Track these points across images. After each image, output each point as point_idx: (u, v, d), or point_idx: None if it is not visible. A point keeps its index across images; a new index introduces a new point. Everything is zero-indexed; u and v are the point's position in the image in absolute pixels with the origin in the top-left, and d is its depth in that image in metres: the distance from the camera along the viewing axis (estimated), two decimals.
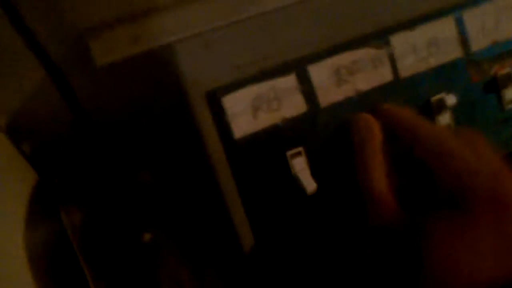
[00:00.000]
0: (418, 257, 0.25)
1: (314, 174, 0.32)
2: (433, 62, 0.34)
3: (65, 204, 0.35)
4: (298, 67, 0.32)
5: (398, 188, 0.29)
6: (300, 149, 0.32)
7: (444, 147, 0.27)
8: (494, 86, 0.36)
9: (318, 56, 0.32)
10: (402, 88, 0.34)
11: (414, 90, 0.34)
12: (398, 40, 0.34)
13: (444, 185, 0.27)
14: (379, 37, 0.33)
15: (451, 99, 0.33)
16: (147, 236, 0.38)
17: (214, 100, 0.31)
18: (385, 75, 0.33)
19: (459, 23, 0.35)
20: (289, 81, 0.32)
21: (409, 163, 0.29)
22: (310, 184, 0.32)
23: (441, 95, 0.34)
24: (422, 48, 0.34)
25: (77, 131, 0.34)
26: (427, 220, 0.26)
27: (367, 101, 0.33)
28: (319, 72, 0.32)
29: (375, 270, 0.28)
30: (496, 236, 0.24)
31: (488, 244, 0.24)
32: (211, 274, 0.38)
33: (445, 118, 0.35)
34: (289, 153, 0.32)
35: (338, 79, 0.33)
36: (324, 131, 0.33)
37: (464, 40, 0.35)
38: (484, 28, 0.35)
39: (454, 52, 0.35)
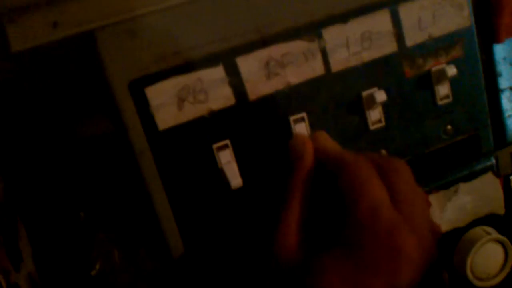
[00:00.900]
0: None
1: (241, 168, 0.32)
2: (366, 56, 0.34)
3: None
4: (226, 59, 0.31)
5: (312, 220, 0.28)
6: (227, 142, 0.32)
7: (357, 183, 0.25)
8: (428, 81, 0.36)
9: (247, 48, 0.32)
10: (333, 82, 0.34)
11: (346, 85, 0.34)
12: (331, 33, 0.33)
13: (348, 221, 0.25)
14: (311, 29, 0.33)
15: (381, 96, 0.33)
16: (81, 215, 0.38)
17: (137, 90, 0.30)
18: (316, 68, 0.33)
19: (394, 17, 0.34)
20: (217, 72, 0.31)
21: (330, 194, 0.28)
22: (235, 178, 0.31)
23: (373, 90, 0.34)
24: (355, 42, 0.34)
25: None
26: (320, 258, 0.25)
27: (297, 94, 0.33)
28: (248, 64, 0.32)
29: None
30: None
31: None
32: (142, 254, 0.39)
33: (375, 113, 0.35)
34: (215, 145, 0.32)
35: (267, 72, 0.32)
36: (252, 124, 0.32)
37: (398, 35, 0.35)
38: (419, 22, 0.35)
39: (388, 47, 0.35)
